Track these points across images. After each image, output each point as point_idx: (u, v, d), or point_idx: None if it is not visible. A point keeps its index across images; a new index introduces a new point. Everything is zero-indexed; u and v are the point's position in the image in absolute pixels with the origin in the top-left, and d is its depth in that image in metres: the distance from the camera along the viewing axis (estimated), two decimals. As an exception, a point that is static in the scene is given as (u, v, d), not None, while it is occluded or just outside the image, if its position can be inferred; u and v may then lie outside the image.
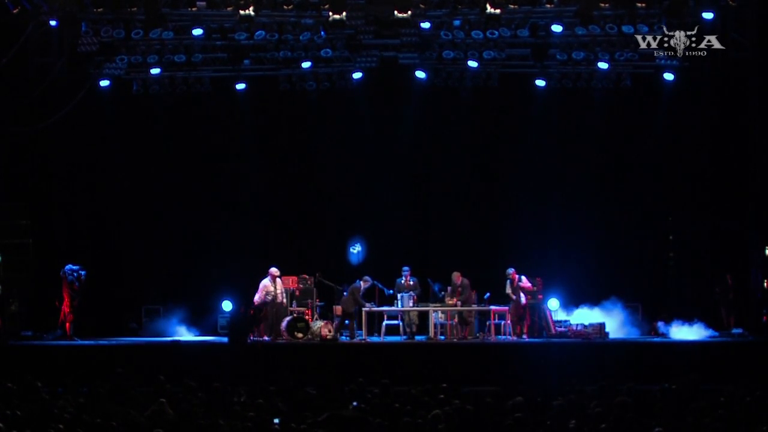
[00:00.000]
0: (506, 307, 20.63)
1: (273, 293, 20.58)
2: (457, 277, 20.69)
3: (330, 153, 23.69)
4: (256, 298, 20.60)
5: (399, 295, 20.56)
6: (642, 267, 22.70)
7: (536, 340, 20.31)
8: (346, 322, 20.61)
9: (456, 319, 20.64)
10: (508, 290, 20.73)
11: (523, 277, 20.72)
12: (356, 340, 20.30)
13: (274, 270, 20.74)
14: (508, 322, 20.47)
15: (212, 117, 23.58)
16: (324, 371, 17.18)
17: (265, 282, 20.68)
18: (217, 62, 22.79)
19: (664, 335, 20.41)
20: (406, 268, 20.86)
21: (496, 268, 21.68)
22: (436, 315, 20.62)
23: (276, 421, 10.88)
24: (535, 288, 20.75)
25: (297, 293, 21.40)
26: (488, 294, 20.80)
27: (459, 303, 20.42)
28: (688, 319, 20.41)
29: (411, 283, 20.81)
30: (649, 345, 19.77)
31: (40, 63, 22.01)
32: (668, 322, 20.59)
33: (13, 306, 21.44)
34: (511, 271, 20.74)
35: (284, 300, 20.85)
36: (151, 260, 23.19)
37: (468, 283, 20.64)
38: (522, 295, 20.56)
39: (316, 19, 21.36)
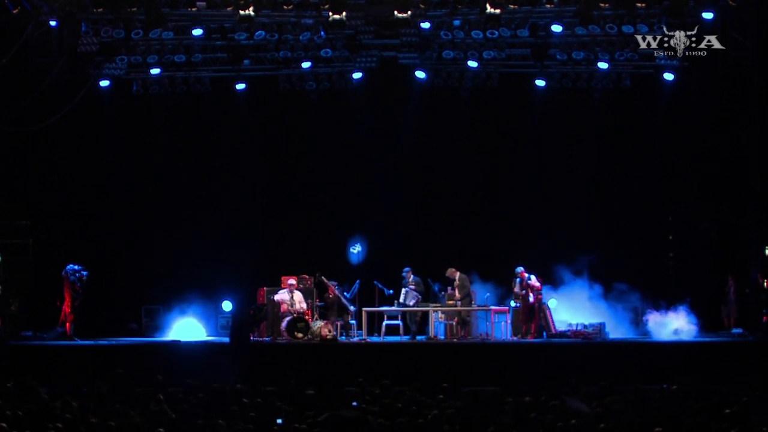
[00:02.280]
0: (506, 307, 20.62)
1: (290, 302, 20.69)
2: (452, 272, 20.66)
3: (330, 153, 23.68)
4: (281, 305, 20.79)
5: (404, 290, 20.47)
6: (642, 267, 22.67)
7: (536, 340, 20.30)
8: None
9: (456, 320, 20.62)
10: (517, 289, 20.68)
11: (532, 276, 20.67)
12: (355, 339, 20.30)
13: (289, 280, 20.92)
14: (509, 321, 20.47)
15: (212, 117, 23.59)
16: (324, 371, 17.16)
17: (282, 294, 20.80)
18: (217, 62, 22.81)
19: (646, 334, 20.44)
20: (407, 268, 20.85)
21: (496, 267, 21.68)
22: (436, 315, 20.61)
23: (279, 421, 10.88)
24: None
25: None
26: (488, 294, 20.78)
27: (460, 299, 20.35)
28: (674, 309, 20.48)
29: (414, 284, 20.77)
30: (649, 345, 19.75)
31: (40, 63, 22.00)
32: (652, 309, 20.67)
33: (13, 306, 21.46)
34: (520, 269, 20.65)
35: (303, 307, 20.79)
36: (151, 260, 23.15)
37: (466, 277, 20.61)
38: (531, 294, 20.53)
39: (316, 19, 21.37)
